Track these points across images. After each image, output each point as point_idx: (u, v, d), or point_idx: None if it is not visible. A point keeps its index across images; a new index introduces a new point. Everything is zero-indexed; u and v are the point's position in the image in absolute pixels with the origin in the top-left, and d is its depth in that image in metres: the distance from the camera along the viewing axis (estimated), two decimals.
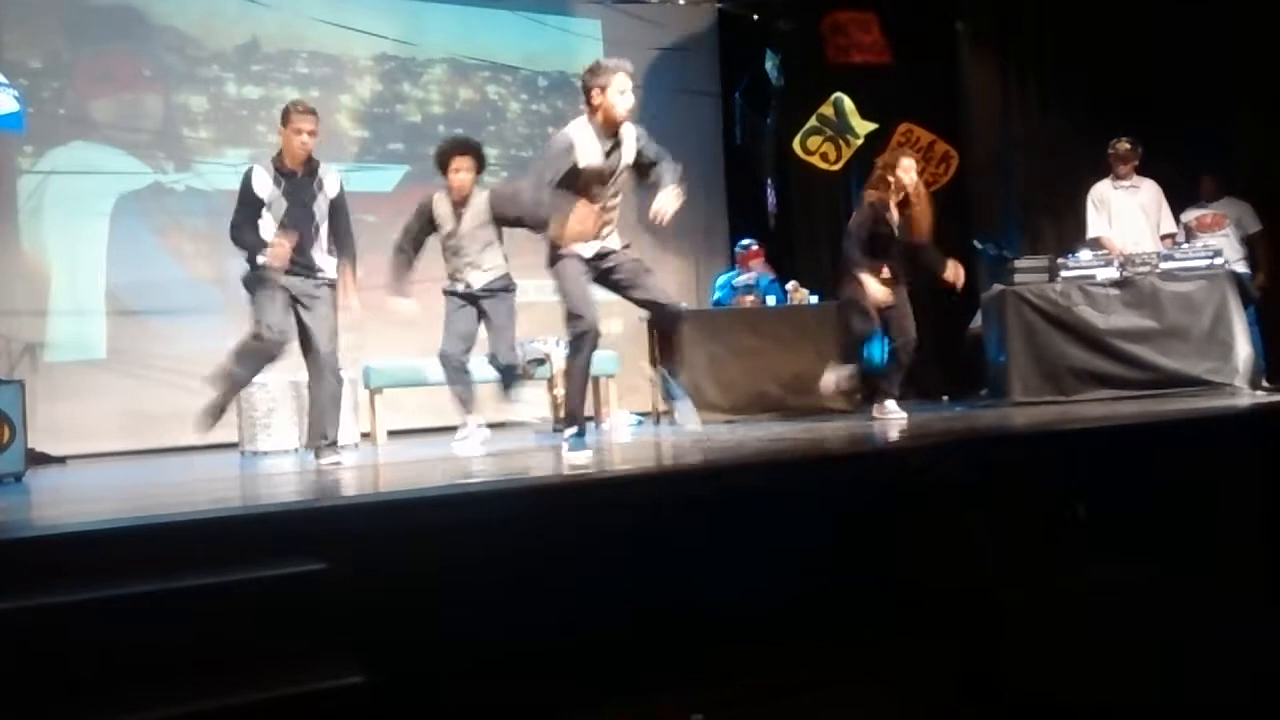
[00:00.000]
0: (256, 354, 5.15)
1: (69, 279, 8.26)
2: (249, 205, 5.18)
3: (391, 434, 7.82)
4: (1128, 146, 7.49)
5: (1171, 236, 7.53)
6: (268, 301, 5.12)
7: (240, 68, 8.96)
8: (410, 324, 6.23)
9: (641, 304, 5.08)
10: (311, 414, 5.42)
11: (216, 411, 5.12)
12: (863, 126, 8.47)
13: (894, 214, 6.51)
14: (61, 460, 7.46)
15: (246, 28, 8.97)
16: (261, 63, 9.04)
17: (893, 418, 6.36)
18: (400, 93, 9.60)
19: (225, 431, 6.82)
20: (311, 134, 5.24)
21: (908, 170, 6.49)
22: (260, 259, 5.12)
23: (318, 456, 5.32)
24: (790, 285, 8.15)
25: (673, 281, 9.23)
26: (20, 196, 8.20)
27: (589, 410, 6.72)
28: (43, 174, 8.25)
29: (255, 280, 5.17)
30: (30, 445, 6.07)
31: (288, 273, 5.15)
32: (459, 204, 6.11)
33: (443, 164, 6.11)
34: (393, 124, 9.54)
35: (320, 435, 5.34)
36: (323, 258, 5.32)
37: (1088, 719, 3.44)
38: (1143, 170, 7.57)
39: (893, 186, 6.46)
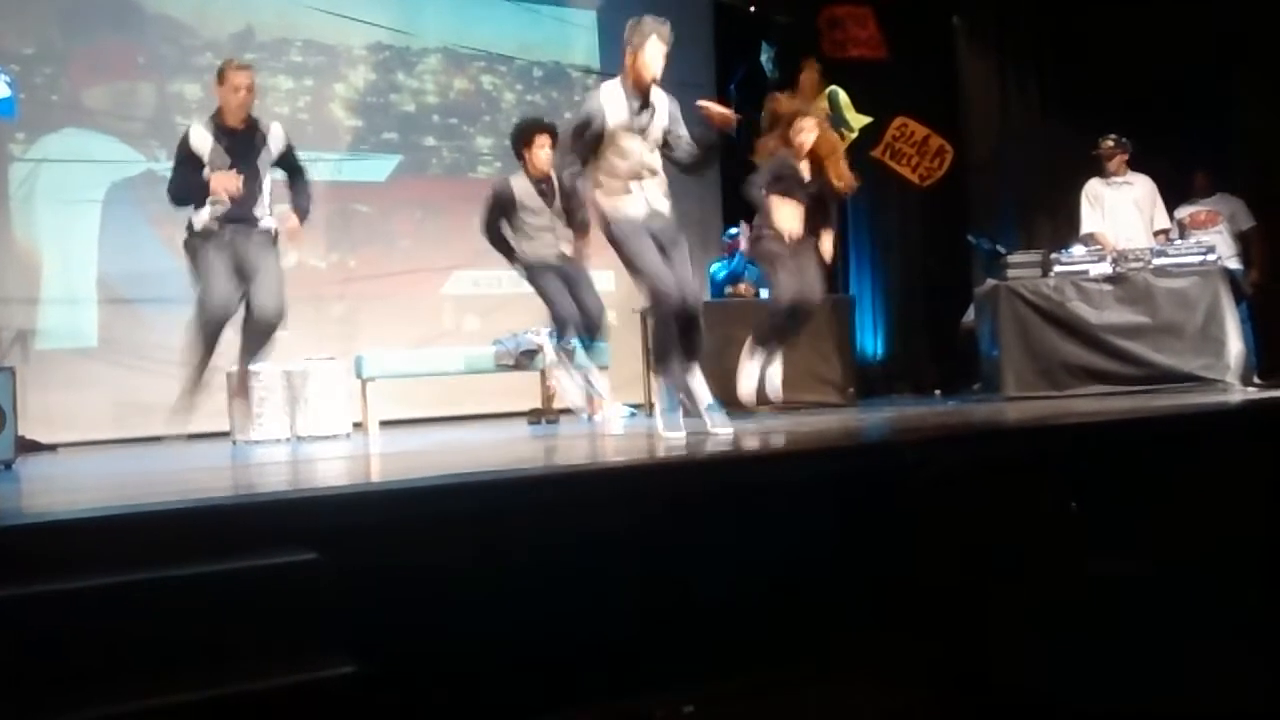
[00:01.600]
0: (207, 329, 5.08)
1: (60, 267, 8.23)
2: (186, 164, 5.11)
3: (383, 424, 7.81)
4: (1110, 144, 7.51)
5: (1165, 233, 7.54)
6: (209, 272, 5.04)
7: (234, 56, 8.90)
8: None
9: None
10: (245, 343, 5.36)
11: (188, 402, 5.09)
12: (858, 120, 8.45)
13: (803, 166, 6.38)
14: (52, 448, 7.44)
15: (241, 16, 8.93)
16: (256, 51, 8.99)
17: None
18: (395, 82, 9.56)
19: (217, 421, 6.82)
20: (249, 90, 5.17)
21: (800, 131, 6.35)
22: (203, 210, 5.03)
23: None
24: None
25: None
26: (12, 184, 8.16)
27: (582, 403, 6.68)
28: (35, 161, 8.21)
29: (196, 244, 5.08)
30: (21, 433, 6.05)
31: (230, 220, 5.08)
32: (542, 181, 6.08)
33: (526, 142, 6.13)
34: (387, 114, 9.51)
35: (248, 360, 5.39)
36: (264, 212, 5.24)
37: (1082, 716, 3.45)
38: (1137, 166, 7.57)
39: (793, 147, 6.36)
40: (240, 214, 5.09)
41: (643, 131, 4.87)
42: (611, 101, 4.84)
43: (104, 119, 8.45)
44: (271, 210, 5.31)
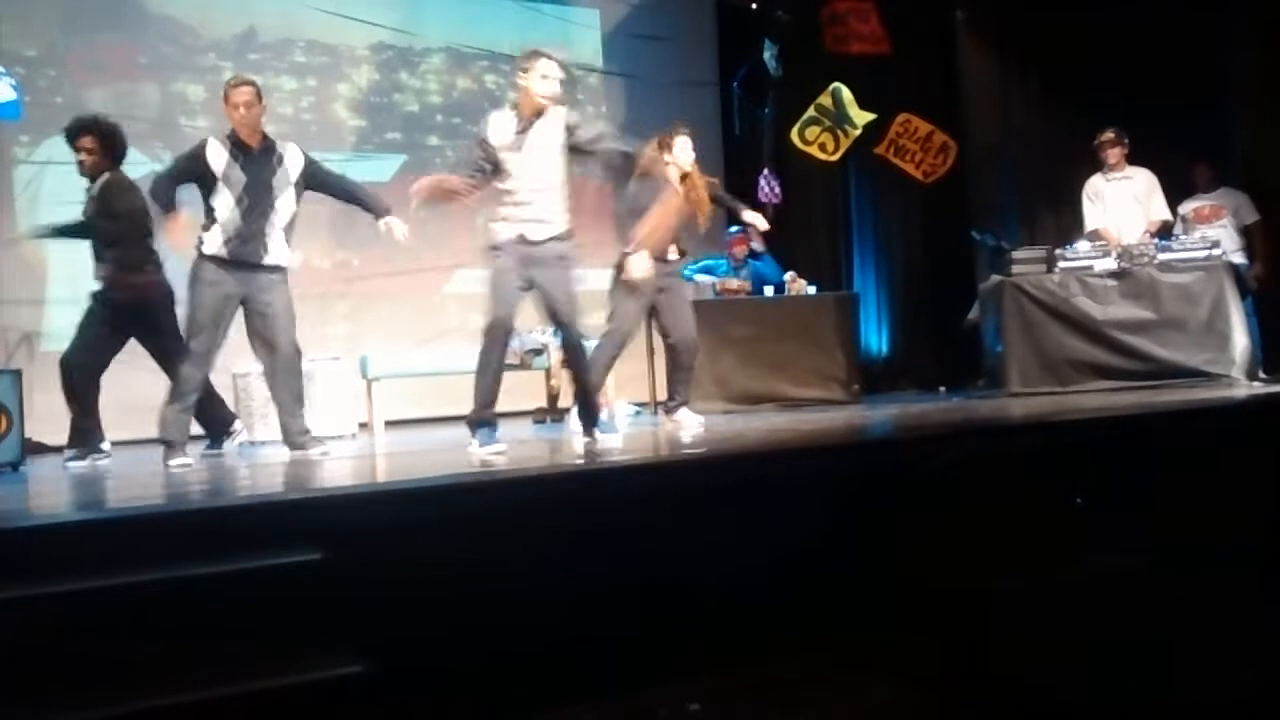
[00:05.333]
0: (186, 388, 5.08)
1: (66, 268, 8.21)
2: (188, 167, 5.05)
3: (389, 424, 7.82)
4: (1111, 136, 7.47)
5: (1166, 224, 7.50)
6: (199, 309, 4.98)
7: (237, 56, 8.92)
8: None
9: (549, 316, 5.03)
10: (281, 416, 5.24)
11: (180, 449, 5.09)
12: (861, 117, 8.46)
13: (678, 187, 6.12)
14: (59, 450, 7.46)
15: (244, 16, 8.94)
16: (259, 51, 9.01)
17: (688, 424, 6.03)
18: (398, 82, 9.57)
19: None
20: (248, 105, 5.09)
21: (684, 149, 6.21)
22: (214, 235, 5.00)
23: (303, 451, 5.18)
24: (789, 276, 8.14)
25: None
26: (17, 185, 8.18)
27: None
28: (39, 163, 8.22)
29: (199, 273, 5.01)
30: (27, 435, 6.08)
31: (234, 264, 5.01)
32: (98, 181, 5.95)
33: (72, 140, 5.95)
34: (390, 113, 9.52)
35: (298, 431, 5.22)
36: (277, 242, 5.13)
37: (1084, 713, 3.44)
38: (1138, 160, 7.55)
39: (671, 165, 6.14)
40: (248, 253, 5.01)
41: (518, 153, 4.81)
42: (496, 123, 4.85)
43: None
44: (289, 240, 5.19)
